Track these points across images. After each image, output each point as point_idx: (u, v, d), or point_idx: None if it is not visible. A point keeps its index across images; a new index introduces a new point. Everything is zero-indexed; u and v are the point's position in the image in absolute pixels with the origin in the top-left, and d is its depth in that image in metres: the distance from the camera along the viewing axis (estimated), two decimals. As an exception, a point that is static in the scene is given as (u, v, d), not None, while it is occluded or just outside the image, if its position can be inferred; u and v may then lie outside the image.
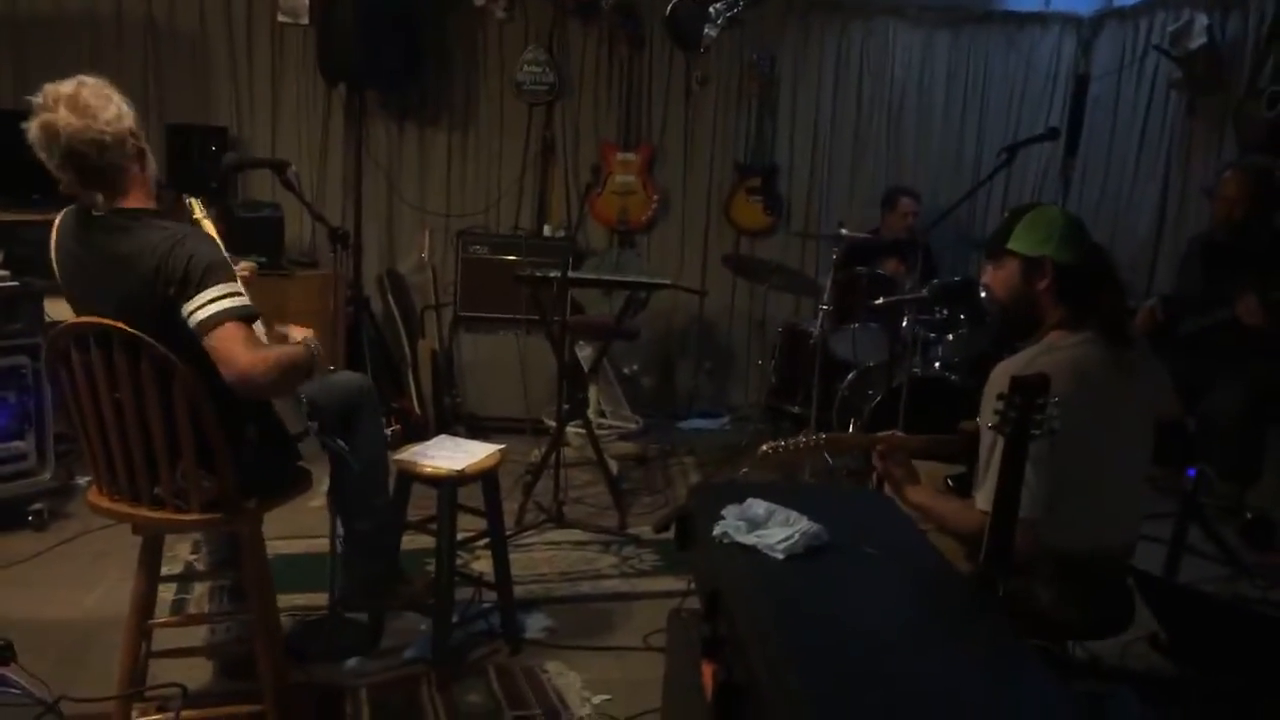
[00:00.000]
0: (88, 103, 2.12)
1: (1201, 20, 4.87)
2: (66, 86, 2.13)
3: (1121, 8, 5.62)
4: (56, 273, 2.29)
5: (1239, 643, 2.04)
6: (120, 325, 2.09)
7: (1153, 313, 4.12)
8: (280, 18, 5.06)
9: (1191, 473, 3.50)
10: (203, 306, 2.08)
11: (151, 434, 2.15)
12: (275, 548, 2.48)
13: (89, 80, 2.17)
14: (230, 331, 2.09)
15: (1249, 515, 3.97)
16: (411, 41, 4.99)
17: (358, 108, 5.11)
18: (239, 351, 2.08)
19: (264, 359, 2.12)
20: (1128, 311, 2.47)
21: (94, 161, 2.13)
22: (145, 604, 2.31)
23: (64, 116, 2.09)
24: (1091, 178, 5.67)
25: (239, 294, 2.14)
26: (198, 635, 2.74)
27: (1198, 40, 4.89)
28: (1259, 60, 4.59)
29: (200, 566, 2.75)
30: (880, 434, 2.49)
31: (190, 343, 2.12)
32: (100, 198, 2.18)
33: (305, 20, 5.04)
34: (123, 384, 2.12)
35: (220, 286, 2.10)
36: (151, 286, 2.11)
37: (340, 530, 2.78)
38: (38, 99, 2.11)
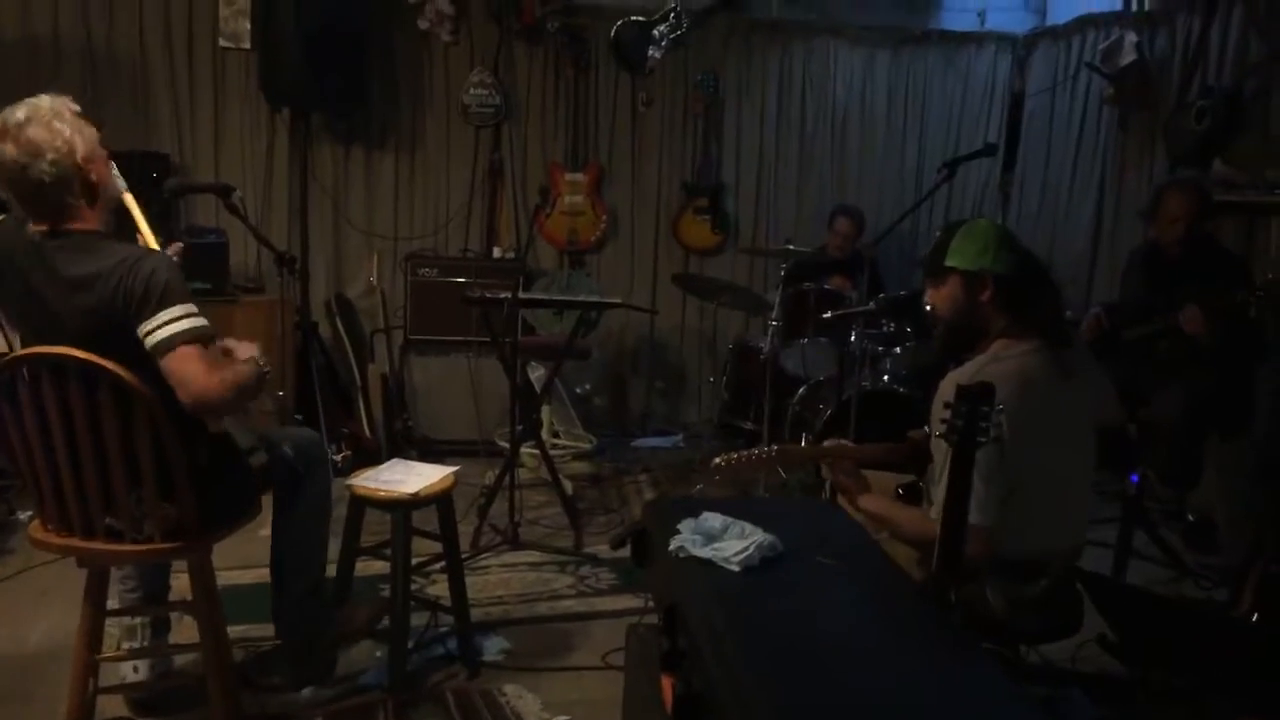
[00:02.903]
0: (32, 138, 2.08)
1: (1131, 38, 5.03)
2: (19, 113, 2.10)
3: (1054, 27, 5.78)
4: None
5: (1187, 641, 2.09)
6: (76, 353, 2.05)
7: (1099, 321, 4.21)
8: (221, 42, 5.02)
9: (1134, 478, 3.58)
10: (161, 327, 2.07)
11: (109, 464, 2.11)
12: (224, 578, 2.43)
13: (45, 104, 2.13)
14: (187, 353, 2.08)
15: (1190, 518, 4.06)
16: (356, 65, 4.96)
17: (303, 132, 5.06)
18: (196, 374, 2.08)
19: (220, 381, 2.12)
20: (1066, 319, 2.53)
21: (34, 195, 2.11)
22: (93, 638, 2.26)
23: (8, 150, 2.06)
24: (1029, 192, 5.81)
25: (195, 314, 2.12)
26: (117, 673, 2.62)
27: (1128, 57, 5.04)
28: (1187, 76, 4.74)
29: (131, 600, 2.68)
30: (828, 444, 2.52)
31: (150, 363, 2.10)
32: (44, 226, 2.15)
33: (247, 45, 5.01)
34: (78, 414, 2.08)
35: (177, 308, 2.09)
36: (111, 306, 2.08)
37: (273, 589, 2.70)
38: None
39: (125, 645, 2.56)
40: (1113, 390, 2.46)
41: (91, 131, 2.20)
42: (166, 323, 2.07)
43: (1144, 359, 4.06)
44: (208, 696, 2.35)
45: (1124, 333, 4.16)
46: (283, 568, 2.64)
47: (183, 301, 2.11)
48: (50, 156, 2.08)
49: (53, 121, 2.11)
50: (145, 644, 2.67)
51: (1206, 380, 3.89)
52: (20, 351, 2.15)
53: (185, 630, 2.93)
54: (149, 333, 2.07)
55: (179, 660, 2.79)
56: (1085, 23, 5.46)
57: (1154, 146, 4.98)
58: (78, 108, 2.19)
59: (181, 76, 5.04)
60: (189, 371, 2.07)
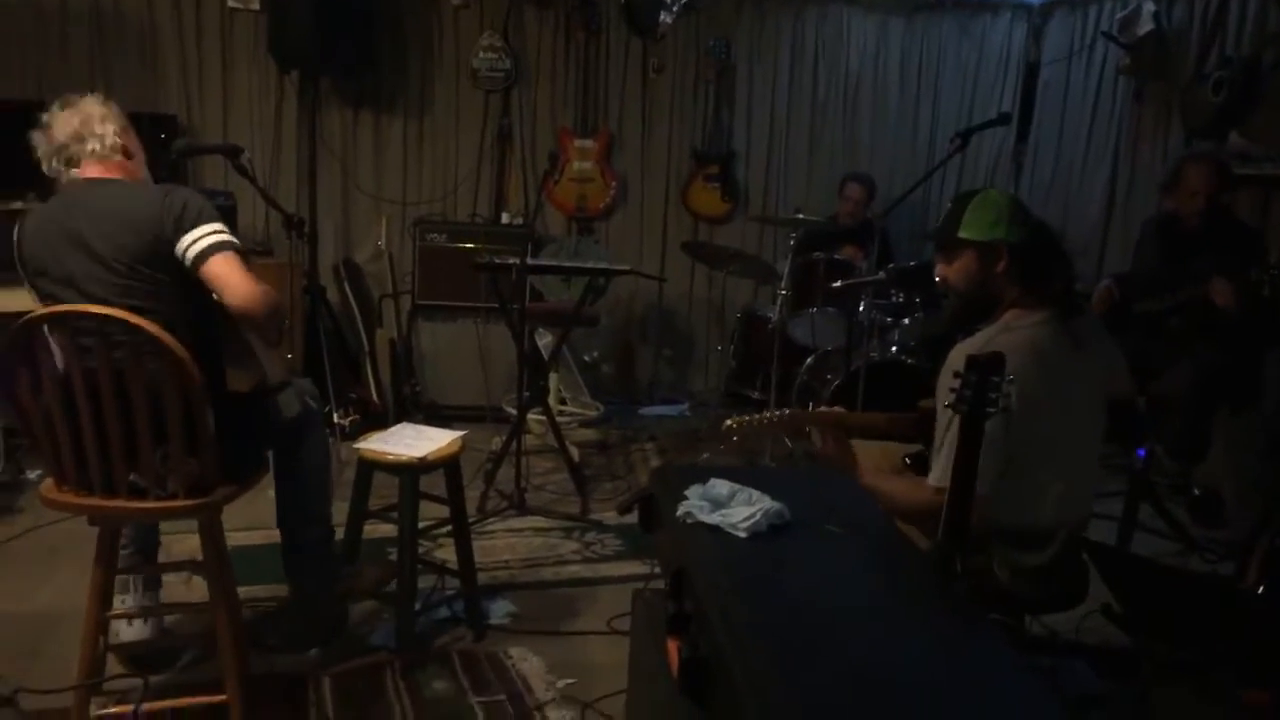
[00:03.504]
0: (73, 107, 2.37)
1: (1149, 7, 4.96)
2: (70, 96, 2.40)
3: (1071, -5, 5.70)
4: (25, 265, 2.31)
5: (1192, 612, 2.09)
6: (114, 312, 2.09)
7: (1109, 292, 4.19)
8: (230, 3, 4.98)
9: (1141, 453, 3.58)
10: (202, 238, 2.22)
11: (137, 420, 2.13)
12: (233, 539, 2.45)
13: (86, 96, 2.42)
14: (230, 258, 2.24)
15: (1197, 492, 4.06)
16: (366, 28, 4.93)
17: (311, 95, 5.04)
18: (241, 277, 2.23)
19: (264, 288, 2.27)
20: (1078, 290, 2.51)
21: (89, 144, 2.33)
22: (104, 595, 2.28)
23: (73, 117, 2.33)
24: (1042, 163, 5.76)
25: (229, 233, 2.29)
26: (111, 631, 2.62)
27: (1145, 27, 4.98)
28: (1205, 46, 4.68)
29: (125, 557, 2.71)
30: (838, 409, 2.52)
31: (182, 298, 2.25)
32: (92, 171, 2.34)
33: (256, 6, 4.97)
34: (105, 371, 2.09)
35: (215, 224, 2.26)
36: (149, 231, 2.22)
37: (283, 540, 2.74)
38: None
39: (120, 601, 2.58)
40: (1123, 362, 2.45)
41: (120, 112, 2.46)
42: (206, 234, 2.24)
43: (1154, 332, 4.04)
44: (210, 654, 2.38)
45: (1135, 305, 4.14)
46: (290, 518, 2.68)
47: (217, 221, 2.27)
48: (108, 126, 2.36)
49: (95, 101, 2.40)
50: (139, 601, 2.70)
51: (1216, 355, 3.87)
52: (52, 309, 2.17)
53: (175, 590, 2.97)
54: (189, 245, 2.22)
55: (171, 619, 2.84)
56: (1103, -10, 5.40)
57: (1169, 118, 4.94)
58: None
59: (190, 37, 5.01)
60: (234, 275, 2.23)
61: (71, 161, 2.34)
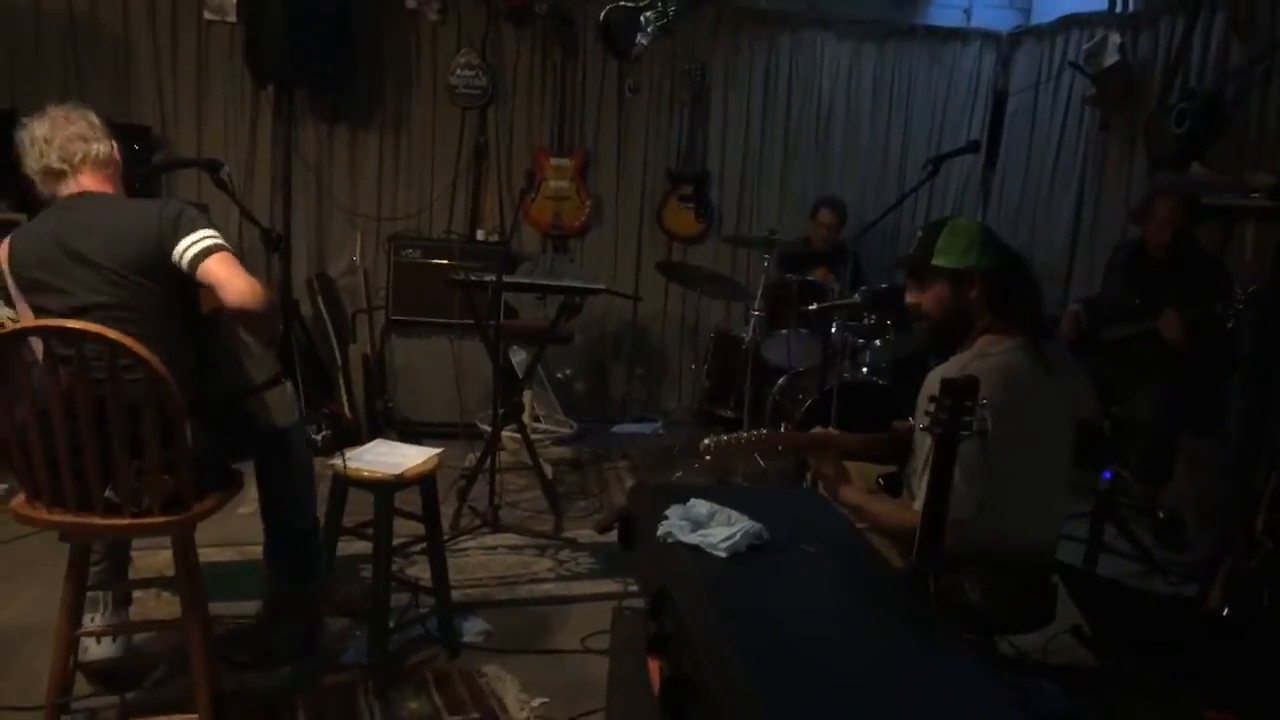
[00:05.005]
0: (91, 121, 2.40)
1: (1114, 39, 5.08)
2: (67, 105, 2.41)
3: (1039, 25, 5.83)
4: (17, 280, 2.32)
5: (1159, 633, 2.14)
6: (91, 327, 2.08)
7: (1077, 318, 4.27)
8: (206, 15, 4.98)
9: (1107, 475, 3.64)
10: (198, 241, 2.26)
11: (112, 433, 2.11)
12: (204, 555, 2.43)
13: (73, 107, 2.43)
14: (228, 258, 2.27)
15: (1161, 515, 4.13)
16: (343, 42, 4.93)
17: (287, 108, 5.03)
18: (238, 275, 2.26)
19: (261, 287, 2.29)
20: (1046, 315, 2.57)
21: (83, 152, 2.35)
22: (75, 612, 2.25)
23: (77, 127, 2.36)
24: (1010, 189, 5.87)
25: (224, 240, 2.32)
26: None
27: (1111, 58, 5.10)
28: (1168, 79, 4.79)
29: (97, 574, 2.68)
30: (816, 430, 2.55)
31: (174, 310, 2.30)
32: (86, 183, 2.36)
33: (233, 18, 4.97)
34: (83, 388, 2.08)
35: (209, 230, 2.30)
36: (148, 242, 2.25)
37: (267, 536, 2.76)
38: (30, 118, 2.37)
39: (89, 618, 2.55)
40: (1090, 386, 2.50)
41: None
42: (203, 238, 2.27)
43: (1120, 358, 4.11)
44: (180, 672, 2.36)
45: (1101, 332, 4.22)
46: (277, 515, 2.71)
47: (212, 228, 2.31)
48: (102, 136, 2.40)
49: (87, 110, 2.43)
50: (109, 618, 2.67)
51: (1180, 381, 3.95)
52: (29, 324, 2.17)
53: (145, 606, 2.94)
54: (186, 249, 2.25)
55: (139, 637, 2.81)
56: (1070, 22, 5.52)
57: (1134, 147, 5.04)
58: None
59: (165, 48, 5.00)
60: (231, 273, 2.25)
61: (67, 162, 2.34)
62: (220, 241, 2.30)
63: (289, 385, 2.76)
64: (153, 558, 3.11)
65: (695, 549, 1.82)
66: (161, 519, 2.20)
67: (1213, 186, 4.38)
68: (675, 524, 1.90)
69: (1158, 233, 4.05)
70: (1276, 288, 3.98)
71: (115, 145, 2.44)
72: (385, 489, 2.69)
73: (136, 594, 2.87)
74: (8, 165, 2.44)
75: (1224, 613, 2.55)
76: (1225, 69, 4.56)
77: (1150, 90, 4.95)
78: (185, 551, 2.29)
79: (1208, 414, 4.09)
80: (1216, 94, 4.51)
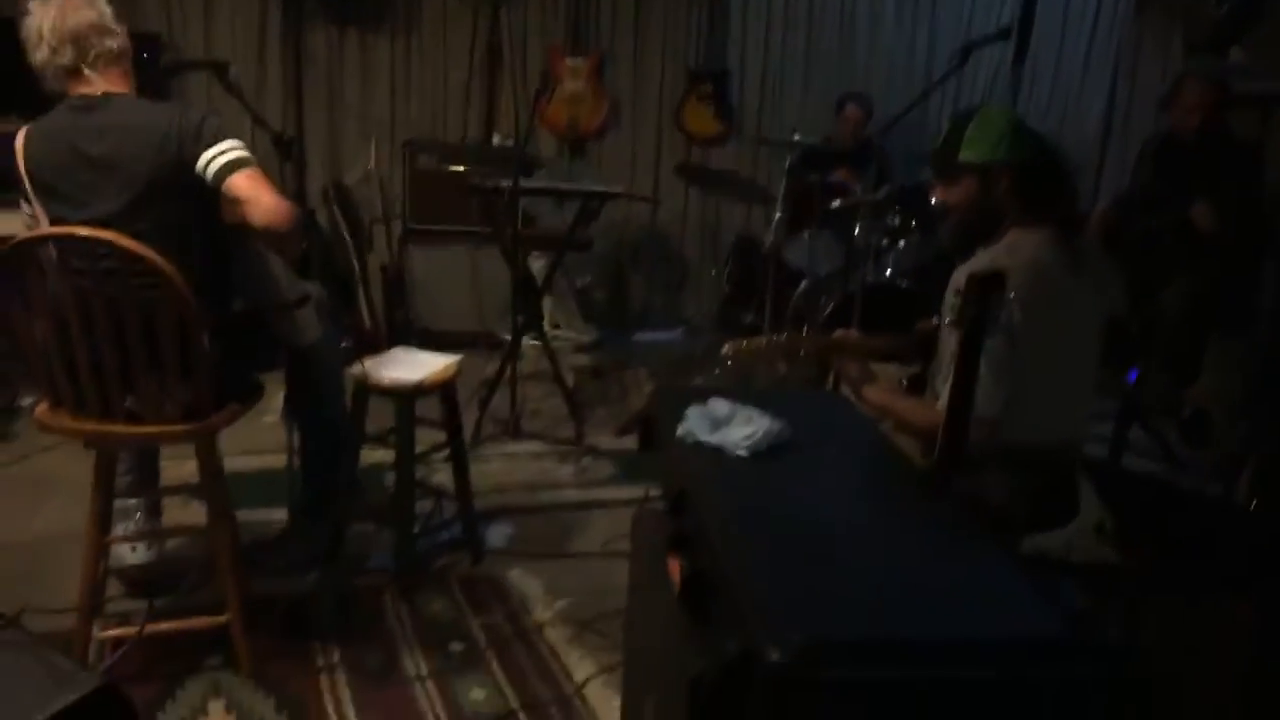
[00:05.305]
0: (104, 11, 2.27)
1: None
2: None
3: (1073, -94, 5.56)
4: (32, 183, 2.25)
5: (1187, 527, 2.12)
6: (106, 234, 2.04)
7: (1105, 216, 4.17)
8: (210, -84, 4.83)
9: (1133, 375, 3.59)
10: (225, 153, 2.17)
11: (131, 346, 2.10)
12: (230, 464, 2.44)
13: None
14: (256, 174, 2.18)
15: (1186, 413, 4.08)
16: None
17: (296, 12, 4.90)
18: (266, 192, 2.17)
19: (288, 203, 2.22)
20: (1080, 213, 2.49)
21: (108, 59, 2.24)
22: (103, 519, 2.28)
23: (89, 15, 2.22)
24: (1041, 80, 5.67)
25: (249, 151, 2.23)
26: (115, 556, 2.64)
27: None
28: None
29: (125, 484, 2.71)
30: (838, 332, 2.51)
31: (193, 218, 2.22)
32: (99, 82, 2.24)
33: (236, -82, 4.81)
34: (101, 297, 2.06)
35: (234, 140, 2.20)
36: (169, 148, 2.16)
37: (296, 442, 2.78)
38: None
39: (121, 528, 2.59)
40: (1121, 281, 2.43)
41: None
42: (229, 149, 2.18)
43: (1149, 253, 4.02)
44: (211, 578, 2.39)
45: (1132, 225, 4.11)
46: (309, 416, 2.74)
47: (235, 139, 2.21)
48: (106, 10, 2.27)
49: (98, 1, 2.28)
50: (141, 527, 2.70)
51: (1211, 277, 3.87)
52: (44, 231, 2.14)
53: (174, 514, 2.97)
54: (210, 160, 2.17)
55: (172, 544, 2.84)
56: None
57: (1171, 32, 4.85)
58: None
59: (168, -47, 4.86)
60: (259, 190, 2.17)
61: (83, 57, 2.21)
62: (246, 154, 2.20)
63: (314, 299, 2.73)
64: (180, 468, 3.14)
65: (715, 448, 1.80)
66: (181, 427, 2.21)
67: (1253, 72, 4.21)
68: (695, 423, 1.87)
69: (1186, 118, 3.92)
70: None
71: (126, 34, 2.31)
72: (406, 396, 2.69)
73: (167, 503, 2.91)
74: (11, 71, 2.34)
75: (1252, 506, 2.53)
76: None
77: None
78: (208, 459, 2.30)
79: (1237, 311, 4.01)
80: (1259, -27, 4.31)
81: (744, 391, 2.07)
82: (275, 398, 2.79)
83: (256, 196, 2.16)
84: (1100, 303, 2.31)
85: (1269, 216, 3.96)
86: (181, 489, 2.80)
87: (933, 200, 2.38)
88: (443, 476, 3.29)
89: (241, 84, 2.81)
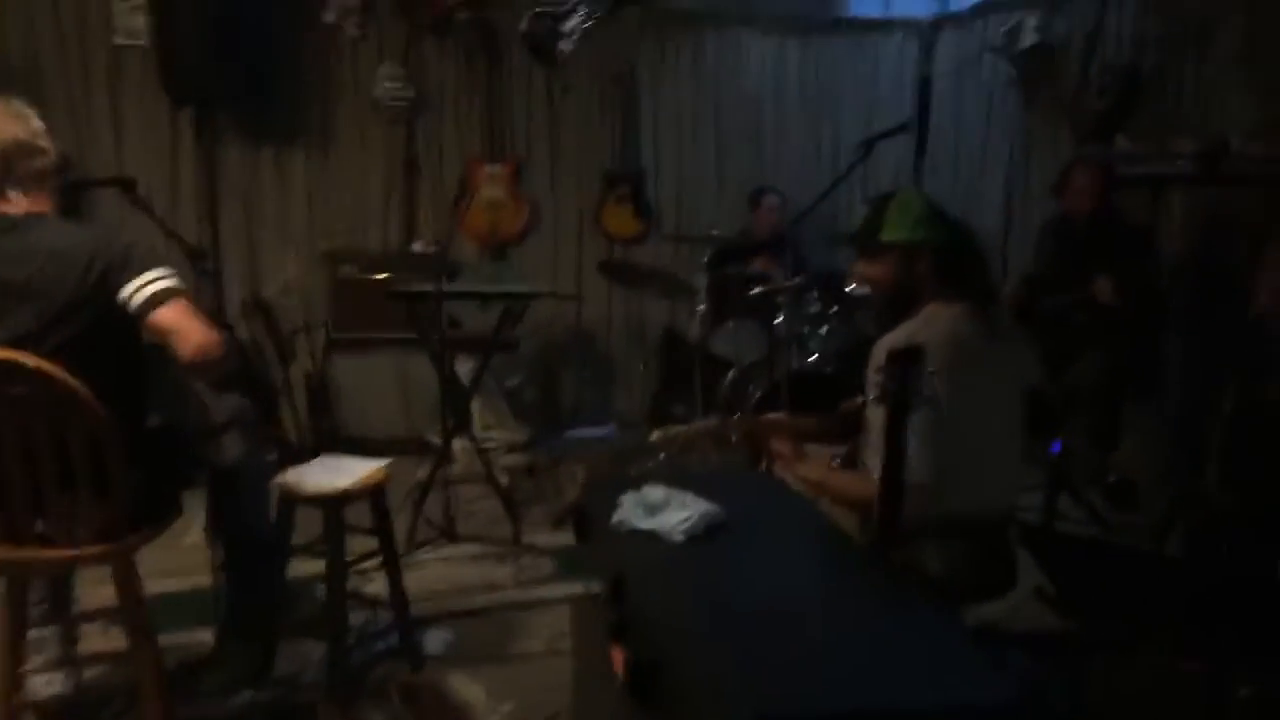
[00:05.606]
0: (19, 111, 2.17)
1: (1031, 20, 5.17)
2: (15, 102, 2.19)
3: (957, 12, 5.91)
4: None
5: (1121, 585, 2.15)
6: (19, 358, 1.97)
7: (1019, 293, 4.33)
8: (117, 39, 4.84)
9: (1056, 447, 3.68)
10: (151, 283, 2.11)
11: (40, 465, 2.02)
12: (152, 586, 2.34)
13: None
14: (183, 306, 2.13)
15: (1112, 479, 4.19)
16: (261, 60, 4.84)
17: (208, 130, 4.91)
18: (194, 327, 2.12)
19: (217, 336, 2.17)
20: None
21: (25, 166, 2.16)
22: (15, 650, 2.16)
23: (18, 131, 2.15)
24: (941, 172, 5.92)
25: (177, 277, 2.17)
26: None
27: (1029, 39, 5.19)
28: (1087, 55, 4.89)
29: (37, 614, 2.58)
30: (764, 416, 2.54)
31: (111, 338, 2.13)
32: (22, 202, 2.16)
33: (144, 41, 4.82)
34: (9, 420, 1.99)
35: (162, 269, 2.14)
36: (87, 275, 2.09)
37: (221, 559, 2.68)
38: None
39: (35, 659, 2.44)
40: (1035, 352, 2.52)
41: None
42: (157, 279, 2.12)
43: (1059, 330, 4.17)
44: (134, 706, 2.27)
45: (1040, 305, 4.28)
46: (234, 548, 2.64)
47: (162, 266, 2.15)
48: (36, 127, 2.21)
49: (26, 114, 2.22)
50: (56, 656, 2.56)
51: (1119, 349, 4.02)
52: None
53: (94, 642, 2.83)
54: (138, 289, 2.10)
55: (92, 673, 2.69)
56: (987, 7, 5.60)
57: (1059, 124, 5.13)
58: None
59: (76, 73, 4.84)
60: (190, 323, 2.12)
61: (7, 175, 2.14)
62: (174, 284, 2.15)
63: (240, 405, 2.67)
64: (98, 592, 2.99)
65: (651, 534, 1.80)
66: (96, 549, 2.11)
67: (1137, 156, 4.47)
68: (630, 511, 1.87)
69: (1078, 202, 4.14)
70: (1202, 246, 4.09)
71: (56, 153, 2.25)
72: (334, 503, 2.63)
73: (86, 629, 2.77)
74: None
75: (1182, 562, 2.58)
76: (1140, 42, 4.66)
77: (1070, 68, 5.05)
78: (126, 581, 2.20)
79: (1147, 378, 4.17)
80: (1134, 67, 4.61)
81: (677, 477, 2.07)
82: (197, 515, 2.70)
83: (184, 330, 2.12)
84: (1018, 371, 2.38)
85: (1165, 290, 4.16)
86: (99, 614, 2.66)
87: (850, 286, 2.45)
88: (377, 585, 3.19)
89: (153, 200, 2.78)
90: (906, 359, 1.83)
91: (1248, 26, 4.19)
